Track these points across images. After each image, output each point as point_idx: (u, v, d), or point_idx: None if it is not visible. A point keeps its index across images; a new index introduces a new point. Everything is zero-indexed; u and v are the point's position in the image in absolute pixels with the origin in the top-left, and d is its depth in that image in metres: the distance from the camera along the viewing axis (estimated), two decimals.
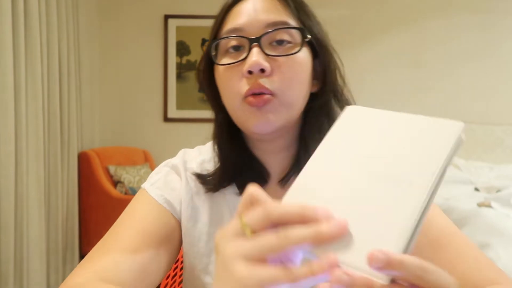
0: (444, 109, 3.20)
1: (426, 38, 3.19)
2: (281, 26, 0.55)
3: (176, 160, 0.66)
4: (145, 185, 0.63)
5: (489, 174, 2.76)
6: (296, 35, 0.56)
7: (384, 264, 0.27)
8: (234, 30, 0.56)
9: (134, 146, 3.05)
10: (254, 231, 0.30)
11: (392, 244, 0.28)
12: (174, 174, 0.65)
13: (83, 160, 2.63)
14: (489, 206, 1.97)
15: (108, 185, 2.55)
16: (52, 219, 2.27)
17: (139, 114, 3.18)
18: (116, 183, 2.68)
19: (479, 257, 0.53)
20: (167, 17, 3.13)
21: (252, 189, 0.32)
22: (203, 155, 0.67)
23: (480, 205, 2.00)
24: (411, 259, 0.27)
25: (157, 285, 0.58)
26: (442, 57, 3.19)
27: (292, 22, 0.56)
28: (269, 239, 0.29)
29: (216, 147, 0.63)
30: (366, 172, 0.32)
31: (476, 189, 2.48)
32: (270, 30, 0.54)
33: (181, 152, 0.68)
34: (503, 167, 2.82)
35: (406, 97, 3.22)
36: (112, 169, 2.69)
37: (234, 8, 0.58)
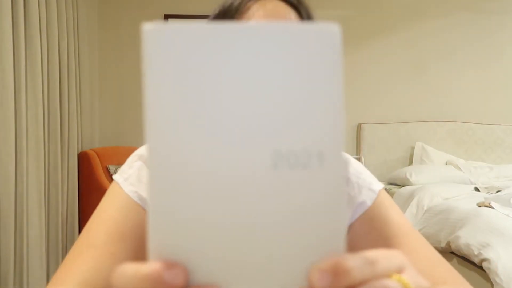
0: (444, 109, 3.20)
1: (426, 38, 3.19)
2: None
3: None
4: (119, 180, 0.61)
5: (489, 174, 2.76)
6: None
7: (332, 277, 0.20)
8: None
9: (134, 146, 3.05)
10: None
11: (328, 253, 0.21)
12: (147, 169, 0.63)
13: (83, 160, 2.63)
14: (489, 206, 1.97)
15: (108, 185, 2.54)
16: (52, 219, 2.27)
17: (139, 114, 3.18)
18: None
19: (432, 256, 0.53)
20: (167, 17, 3.13)
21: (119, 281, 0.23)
22: None
23: (480, 205, 2.00)
24: (356, 260, 0.21)
25: None
26: (442, 57, 3.20)
27: None
28: None
29: None
30: (247, 139, 0.21)
31: (476, 189, 2.48)
32: None
33: None
34: (503, 167, 2.82)
35: (406, 97, 3.22)
36: (112, 169, 2.69)
37: (245, 8, 0.56)
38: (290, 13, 0.55)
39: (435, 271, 0.51)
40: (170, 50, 0.23)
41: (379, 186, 0.64)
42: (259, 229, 0.21)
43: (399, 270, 0.23)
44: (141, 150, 0.66)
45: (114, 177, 0.63)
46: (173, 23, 0.22)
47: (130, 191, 0.59)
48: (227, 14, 0.56)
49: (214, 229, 0.21)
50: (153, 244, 0.22)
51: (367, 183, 0.63)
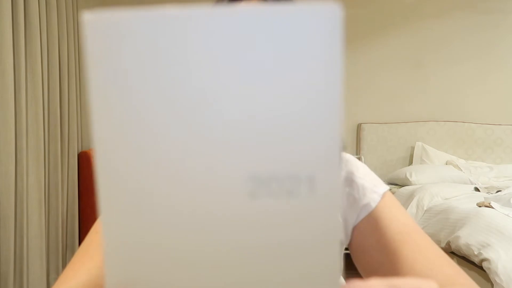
0: (444, 109, 3.20)
1: (426, 37, 3.19)
2: None
3: None
4: None
5: (489, 174, 2.76)
6: None
7: None
8: None
9: None
10: None
11: None
12: None
13: (83, 160, 2.63)
14: (489, 206, 1.97)
15: None
16: (52, 219, 2.27)
17: None
18: None
19: (439, 256, 0.52)
20: None
21: None
22: None
23: (480, 205, 2.00)
24: None
25: None
26: (442, 57, 3.19)
27: None
28: None
29: None
30: (215, 162, 0.16)
31: (476, 189, 2.48)
32: None
33: None
34: (503, 167, 2.82)
35: (406, 97, 3.22)
36: None
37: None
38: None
39: (443, 271, 0.50)
40: (113, 43, 0.17)
41: (383, 188, 0.64)
42: (229, 268, 0.17)
43: None
44: None
45: None
46: (116, 10, 0.17)
47: None
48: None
49: (174, 266, 0.17)
50: (109, 279, 0.18)
51: (372, 186, 0.63)
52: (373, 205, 0.56)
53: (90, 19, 0.18)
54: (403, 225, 0.55)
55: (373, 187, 0.64)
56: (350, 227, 0.63)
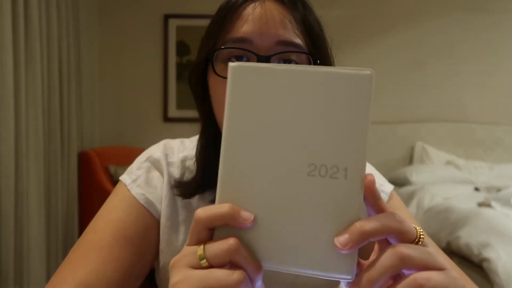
0: (444, 109, 3.20)
1: (426, 37, 3.19)
2: (293, 48, 0.52)
3: (157, 153, 0.64)
4: (126, 181, 0.61)
5: (489, 174, 2.76)
6: (304, 58, 0.54)
7: (357, 237, 0.29)
8: (242, 40, 0.52)
9: (134, 146, 3.05)
10: (210, 265, 0.30)
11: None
12: (155, 171, 0.62)
13: (83, 160, 2.63)
14: (489, 206, 1.97)
15: (108, 185, 2.55)
16: (52, 219, 2.27)
17: (139, 114, 3.18)
18: (116, 183, 2.68)
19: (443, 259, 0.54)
20: (167, 17, 3.13)
21: (202, 213, 0.31)
22: (186, 150, 0.65)
23: (480, 204, 2.00)
24: (379, 217, 0.31)
25: (141, 283, 0.58)
26: (442, 57, 3.20)
27: (300, 41, 0.53)
28: (219, 276, 0.29)
29: (199, 157, 0.60)
30: (292, 152, 0.31)
31: (476, 189, 2.48)
32: (281, 51, 0.51)
33: (162, 145, 0.65)
34: (503, 167, 2.82)
35: (406, 97, 3.22)
36: (112, 169, 2.69)
37: (240, 10, 0.53)
38: (285, 14, 0.53)
39: None
40: (249, 84, 0.32)
41: (390, 187, 0.65)
42: (295, 207, 0.31)
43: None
44: (150, 151, 0.65)
45: (121, 177, 0.62)
46: (251, 64, 0.32)
47: (137, 194, 0.59)
48: (224, 12, 0.55)
49: (264, 193, 0.31)
50: (222, 194, 0.32)
51: (379, 185, 0.64)
52: None
53: (237, 69, 0.32)
54: None
55: (379, 186, 0.65)
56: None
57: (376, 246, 0.35)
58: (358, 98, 0.30)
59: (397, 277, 0.30)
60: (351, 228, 0.29)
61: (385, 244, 0.31)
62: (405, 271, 0.29)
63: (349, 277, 0.30)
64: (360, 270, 0.31)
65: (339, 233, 0.30)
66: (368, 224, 0.30)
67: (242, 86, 0.31)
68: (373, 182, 0.31)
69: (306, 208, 0.30)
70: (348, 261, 0.30)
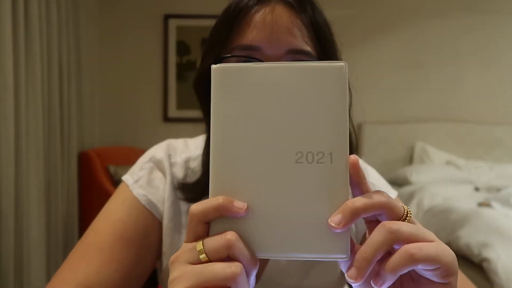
0: (444, 109, 3.20)
1: (426, 38, 3.19)
2: (304, 57, 0.51)
3: (160, 153, 0.63)
4: (128, 181, 0.60)
5: (489, 174, 2.76)
6: None
7: (350, 214, 0.31)
8: (251, 48, 0.50)
9: (134, 146, 3.05)
10: (209, 259, 0.30)
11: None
12: (157, 172, 0.62)
13: (83, 160, 2.63)
14: (489, 206, 1.97)
15: (108, 185, 2.55)
16: (52, 219, 2.27)
17: (139, 114, 3.18)
18: (116, 183, 2.68)
19: None
20: (167, 17, 3.13)
21: (196, 208, 0.32)
22: (189, 151, 0.64)
23: (480, 204, 2.00)
24: (371, 196, 0.32)
25: (142, 284, 0.58)
26: (442, 57, 3.20)
27: (310, 48, 0.52)
28: (216, 269, 0.29)
29: (205, 160, 0.60)
30: (278, 143, 0.33)
31: (476, 189, 2.48)
32: (292, 60, 0.50)
33: (165, 145, 0.65)
34: (503, 167, 2.82)
35: (406, 97, 3.22)
36: (112, 169, 2.69)
37: (250, 15, 0.52)
38: (295, 19, 0.52)
39: None
40: (232, 83, 0.34)
41: (394, 194, 0.65)
42: (286, 194, 0.32)
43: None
44: (153, 151, 0.64)
45: (123, 177, 0.62)
46: (232, 65, 0.34)
47: (139, 194, 0.59)
48: (233, 16, 0.53)
49: (256, 183, 0.33)
50: (215, 188, 0.33)
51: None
52: None
53: (219, 69, 0.34)
54: None
55: None
56: (361, 233, 0.63)
57: (367, 232, 0.36)
58: (334, 88, 0.32)
59: (388, 255, 0.31)
60: (343, 207, 0.31)
61: (375, 224, 0.32)
62: (397, 247, 0.31)
63: (345, 256, 0.31)
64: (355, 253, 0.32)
65: (332, 214, 0.31)
66: (359, 202, 0.31)
67: (226, 86, 0.33)
68: (357, 162, 0.33)
69: (297, 194, 0.32)
70: (343, 241, 0.31)
